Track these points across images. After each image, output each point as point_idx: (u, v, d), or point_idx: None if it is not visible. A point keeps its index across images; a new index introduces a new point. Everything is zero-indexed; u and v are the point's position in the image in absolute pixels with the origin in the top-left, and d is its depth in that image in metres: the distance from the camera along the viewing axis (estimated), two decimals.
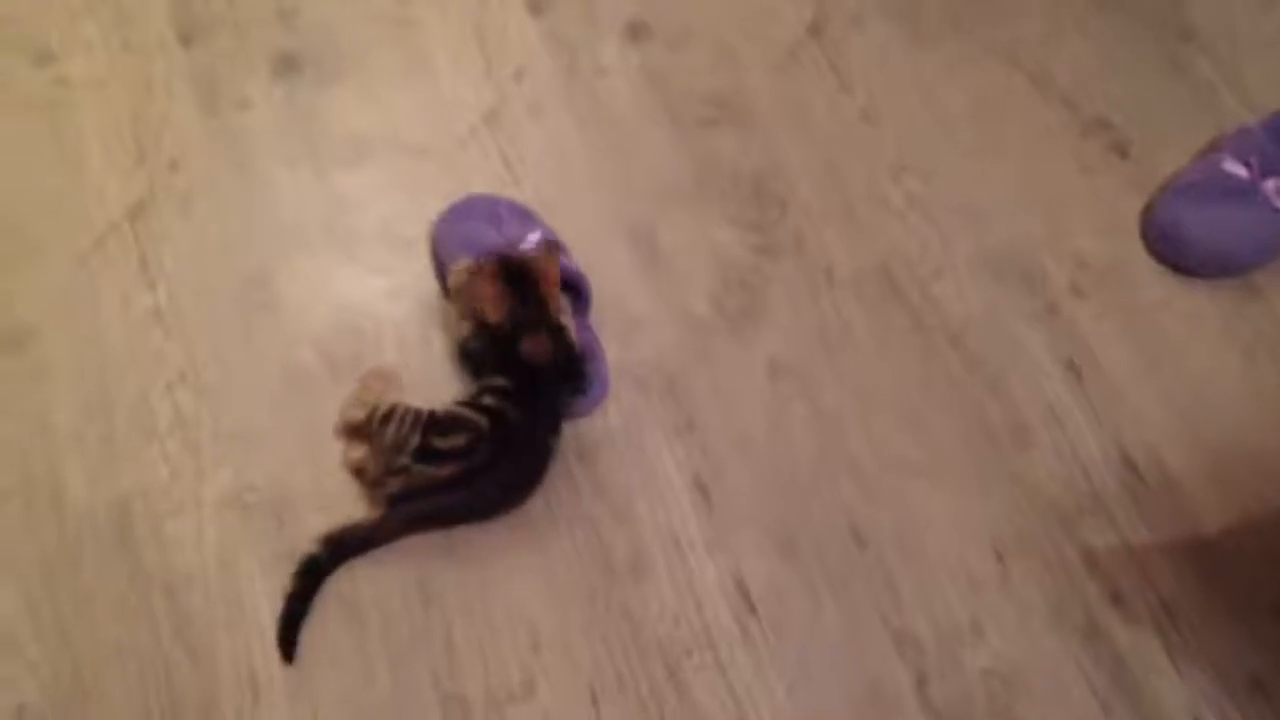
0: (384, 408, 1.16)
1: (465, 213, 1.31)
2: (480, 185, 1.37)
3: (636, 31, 1.50)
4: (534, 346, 1.14)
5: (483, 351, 1.17)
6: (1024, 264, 1.36)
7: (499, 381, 1.15)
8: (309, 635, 1.13)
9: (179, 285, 1.31)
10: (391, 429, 1.14)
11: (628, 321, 1.31)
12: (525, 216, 1.32)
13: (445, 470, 1.12)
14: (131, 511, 1.18)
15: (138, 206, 1.35)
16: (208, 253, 1.34)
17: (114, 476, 1.20)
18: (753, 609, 1.17)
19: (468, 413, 1.13)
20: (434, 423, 1.13)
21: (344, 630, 1.14)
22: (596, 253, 1.33)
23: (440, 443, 1.12)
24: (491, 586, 1.17)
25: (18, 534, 1.17)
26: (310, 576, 1.14)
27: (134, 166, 1.37)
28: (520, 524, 1.20)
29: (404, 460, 1.12)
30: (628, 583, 1.18)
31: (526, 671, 1.13)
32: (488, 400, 1.14)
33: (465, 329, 1.19)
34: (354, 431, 1.21)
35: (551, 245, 1.23)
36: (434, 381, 1.26)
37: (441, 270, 1.27)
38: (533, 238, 1.26)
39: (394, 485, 1.14)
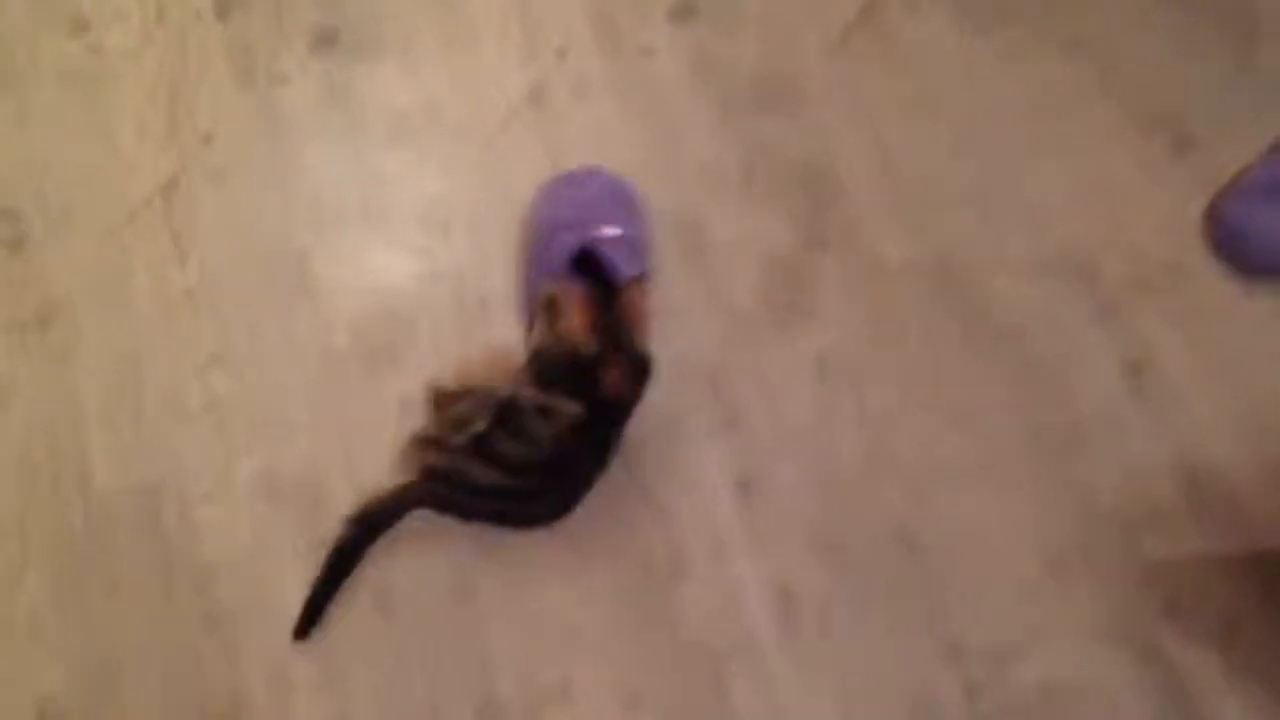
0: (469, 386, 1.13)
1: (570, 183, 1.29)
2: (521, 168, 1.33)
3: (684, 12, 1.45)
4: (614, 382, 1.10)
5: (558, 370, 1.12)
6: (1083, 261, 1.31)
7: (574, 410, 1.09)
8: (341, 629, 1.10)
9: (212, 263, 1.28)
10: (465, 404, 1.11)
11: (670, 313, 1.26)
12: (619, 203, 1.28)
13: (487, 478, 1.09)
14: (161, 496, 1.15)
15: (171, 181, 1.32)
16: (241, 230, 1.30)
17: (143, 460, 1.17)
18: (796, 614, 1.14)
19: (537, 428, 1.09)
20: (507, 415, 1.09)
21: (377, 625, 1.11)
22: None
23: (501, 443, 1.09)
24: (527, 585, 1.13)
25: (45, 516, 1.14)
26: (341, 557, 1.12)
27: (167, 140, 1.34)
28: (557, 522, 1.16)
29: (460, 439, 1.09)
30: (667, 585, 1.14)
31: (562, 672, 1.10)
32: (555, 430, 1.10)
33: (542, 337, 1.15)
34: (440, 401, 1.17)
35: (643, 276, 1.20)
36: (467, 372, 1.22)
37: (538, 243, 1.25)
38: (609, 232, 1.22)
39: (436, 458, 1.11)
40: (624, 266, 1.17)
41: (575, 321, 1.10)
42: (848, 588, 1.15)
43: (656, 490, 1.19)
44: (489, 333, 1.25)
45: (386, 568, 1.13)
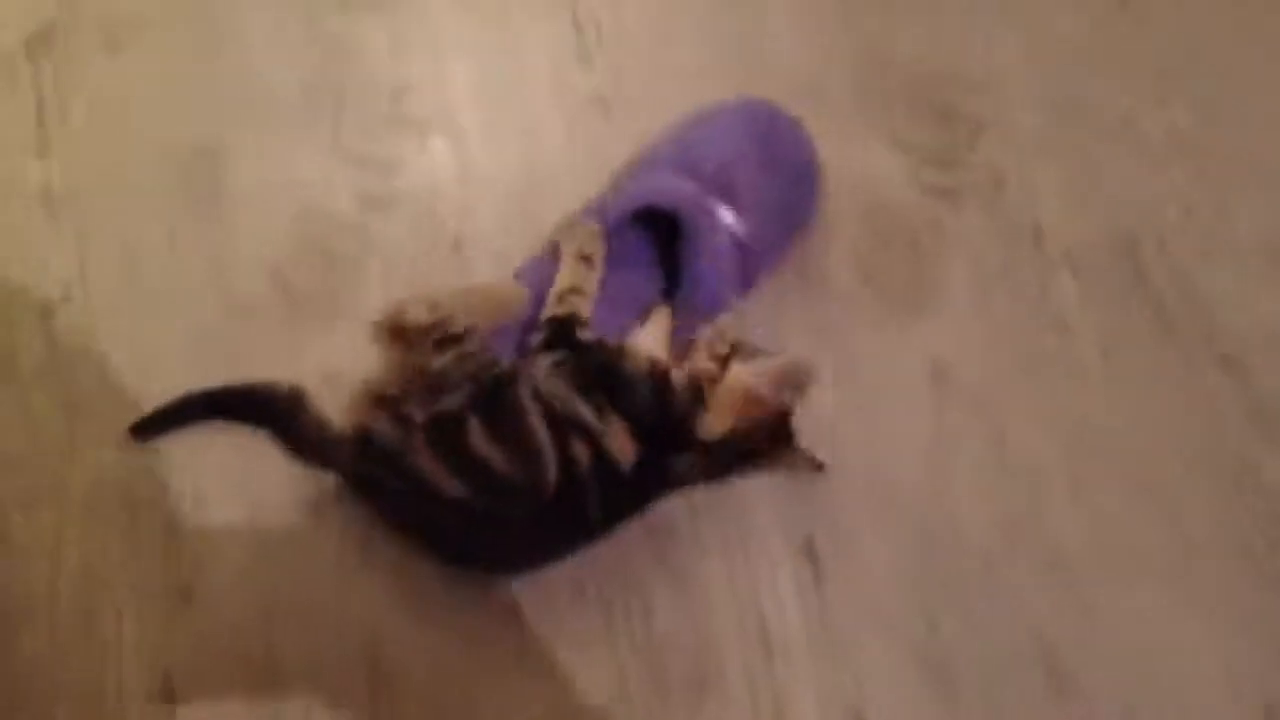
0: (458, 328, 0.76)
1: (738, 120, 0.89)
2: (535, 52, 0.95)
3: None
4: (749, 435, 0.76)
5: (610, 375, 0.76)
6: None
7: (625, 447, 0.74)
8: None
9: (85, 155, 0.90)
10: (447, 358, 0.75)
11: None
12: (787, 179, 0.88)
13: (440, 480, 0.73)
14: None
15: (44, 32, 0.93)
16: (134, 113, 0.92)
17: None
18: None
19: (539, 431, 0.73)
20: (496, 400, 0.74)
21: None
22: None
23: (474, 436, 0.73)
24: (471, 680, 0.77)
25: None
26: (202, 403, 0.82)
27: None
28: (527, 583, 0.78)
29: (418, 410, 0.74)
30: (685, 704, 0.76)
31: None
32: (578, 449, 0.73)
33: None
34: (396, 336, 0.80)
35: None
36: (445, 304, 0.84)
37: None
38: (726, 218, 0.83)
39: (383, 428, 0.75)
40: (710, 283, 0.81)
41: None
42: None
43: (684, 553, 0.81)
44: None
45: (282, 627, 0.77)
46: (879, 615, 0.80)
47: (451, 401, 0.74)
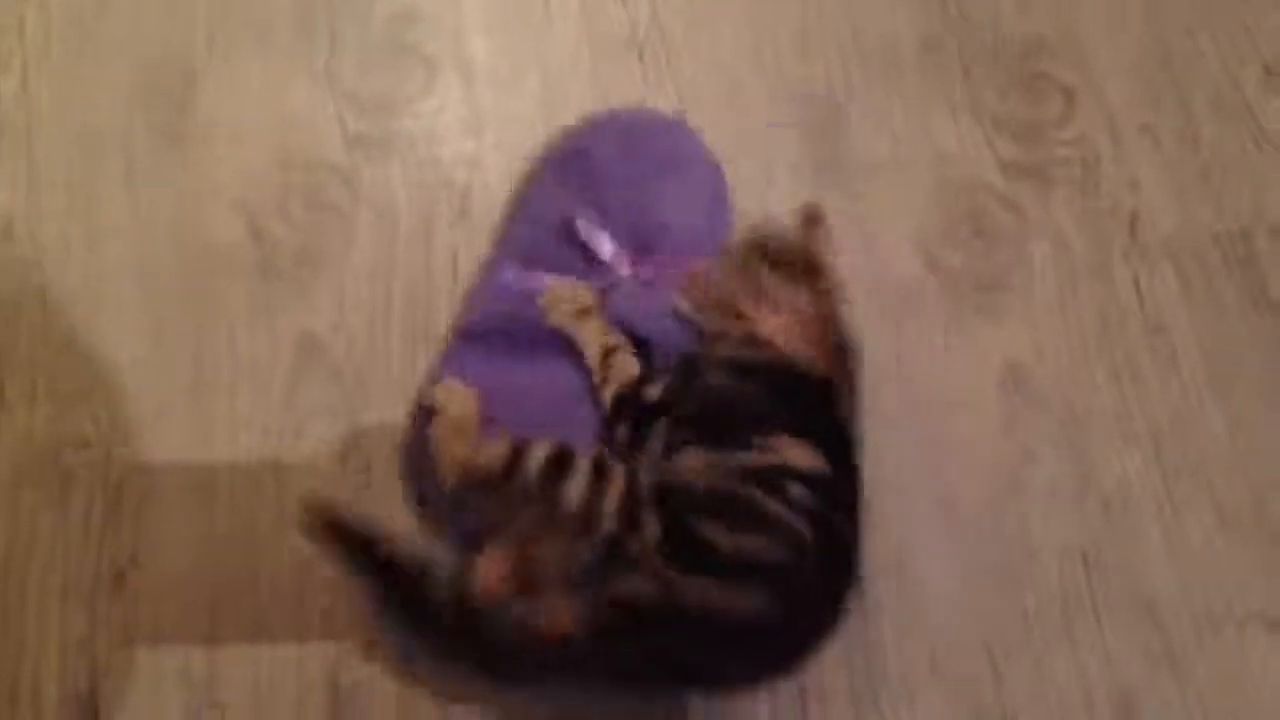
0: (544, 449, 0.60)
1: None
2: None
3: None
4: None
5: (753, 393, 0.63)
6: None
7: (812, 462, 0.60)
8: None
9: (40, 77, 0.79)
10: (577, 484, 0.58)
11: None
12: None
13: (735, 599, 0.57)
14: None
15: None
16: (99, 30, 0.81)
17: None
18: None
19: (770, 504, 0.58)
20: (698, 494, 0.59)
21: None
22: (744, 145, 0.78)
23: (716, 534, 0.57)
24: (442, 691, 0.65)
25: None
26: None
27: None
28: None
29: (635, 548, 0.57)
30: None
31: None
32: (797, 490, 0.58)
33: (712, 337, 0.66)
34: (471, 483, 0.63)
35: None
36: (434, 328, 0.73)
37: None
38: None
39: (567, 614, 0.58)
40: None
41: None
42: None
43: None
44: (469, 253, 0.74)
45: None
46: (934, 658, 0.68)
47: (651, 525, 0.57)
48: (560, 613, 0.57)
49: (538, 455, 0.58)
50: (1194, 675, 0.68)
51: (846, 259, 0.73)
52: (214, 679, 0.65)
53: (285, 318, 0.73)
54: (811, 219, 0.68)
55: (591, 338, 0.67)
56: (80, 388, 0.70)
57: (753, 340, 0.64)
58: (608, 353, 0.66)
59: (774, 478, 0.58)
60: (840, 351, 0.63)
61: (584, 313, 0.67)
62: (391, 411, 0.70)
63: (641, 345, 0.67)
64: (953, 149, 0.81)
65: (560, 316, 0.67)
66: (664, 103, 0.80)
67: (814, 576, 0.57)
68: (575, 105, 0.79)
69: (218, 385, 0.71)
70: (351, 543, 0.61)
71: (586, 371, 0.67)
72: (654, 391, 0.65)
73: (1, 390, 0.70)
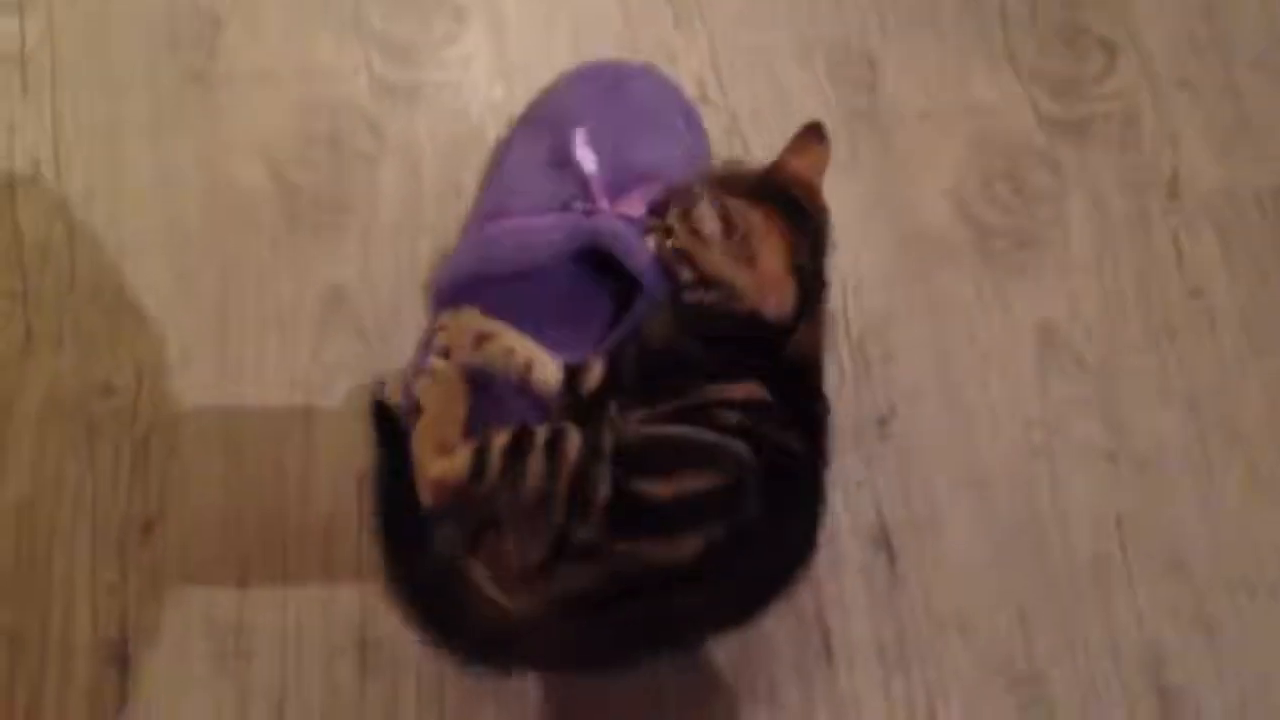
0: (503, 437, 0.59)
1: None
2: None
3: None
4: (808, 337, 0.63)
5: (717, 325, 0.62)
6: None
7: (751, 392, 0.60)
8: None
9: (66, 19, 0.78)
10: (535, 463, 0.57)
11: None
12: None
13: (682, 546, 0.56)
14: None
15: None
16: None
17: None
18: None
19: (706, 435, 0.58)
20: (630, 449, 0.58)
21: None
22: (775, 95, 0.76)
23: (654, 487, 0.57)
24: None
25: None
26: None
27: None
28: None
29: (586, 532, 0.56)
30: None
31: None
32: (733, 418, 0.58)
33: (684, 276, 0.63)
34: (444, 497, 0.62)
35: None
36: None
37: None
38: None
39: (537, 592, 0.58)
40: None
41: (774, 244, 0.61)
42: None
43: None
44: None
45: None
46: (963, 622, 0.68)
47: (602, 485, 0.56)
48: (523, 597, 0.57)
49: (497, 446, 0.58)
50: (1225, 637, 0.68)
51: (873, 209, 0.72)
52: (241, 628, 0.65)
53: (313, 269, 0.72)
54: (811, 135, 0.66)
55: (500, 363, 0.64)
56: (107, 333, 0.70)
57: (704, 281, 0.62)
58: (523, 371, 0.64)
59: (705, 410, 0.58)
60: (800, 273, 0.61)
61: (484, 338, 0.65)
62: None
63: (631, 284, 0.65)
64: (990, 103, 0.79)
65: (462, 353, 0.65)
66: (695, 52, 0.78)
67: (762, 494, 0.56)
68: (606, 55, 0.77)
69: (245, 333, 0.71)
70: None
71: (584, 269, 0.66)
72: (591, 379, 0.63)
73: (30, 333, 0.70)
